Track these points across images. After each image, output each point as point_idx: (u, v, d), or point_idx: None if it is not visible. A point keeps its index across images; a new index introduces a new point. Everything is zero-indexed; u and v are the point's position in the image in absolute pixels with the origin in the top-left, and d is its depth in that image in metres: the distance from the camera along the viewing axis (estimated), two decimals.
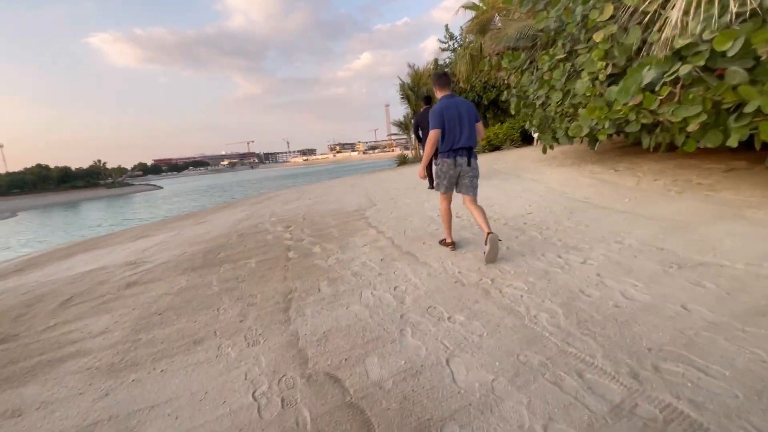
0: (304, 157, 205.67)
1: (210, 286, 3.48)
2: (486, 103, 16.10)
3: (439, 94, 3.49)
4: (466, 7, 13.20)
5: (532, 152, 11.12)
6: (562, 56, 5.80)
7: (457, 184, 3.51)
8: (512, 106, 9.16)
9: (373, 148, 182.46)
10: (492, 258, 3.21)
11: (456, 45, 19.32)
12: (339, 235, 4.83)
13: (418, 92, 18.68)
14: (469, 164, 3.39)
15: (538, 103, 7.22)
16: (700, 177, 4.96)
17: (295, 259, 3.99)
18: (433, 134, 3.33)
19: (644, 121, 4.53)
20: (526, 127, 8.10)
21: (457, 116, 3.30)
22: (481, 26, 11.14)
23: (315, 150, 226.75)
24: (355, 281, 3.17)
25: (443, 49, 19.69)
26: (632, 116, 4.56)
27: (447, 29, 19.00)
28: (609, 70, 4.61)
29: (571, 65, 5.50)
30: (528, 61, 7.68)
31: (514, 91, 8.94)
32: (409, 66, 20.03)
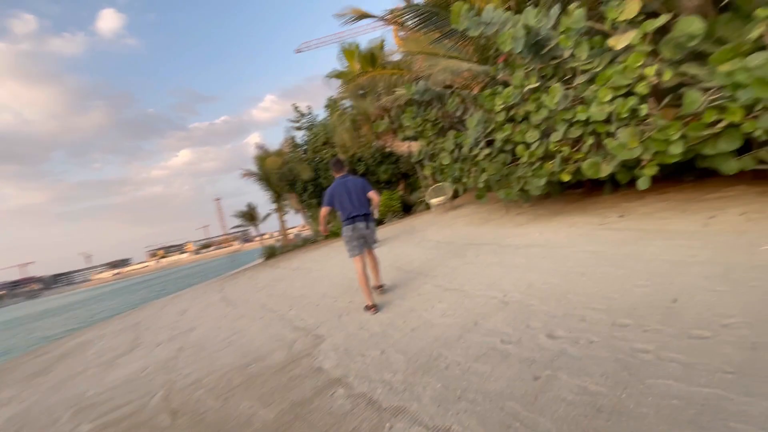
0: (115, 271, 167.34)
1: None
2: (385, 178, 15.09)
3: (335, 176, 4.17)
4: (330, 76, 12.26)
5: (436, 218, 9.91)
6: (534, 85, 4.56)
7: (365, 244, 4.07)
8: (425, 169, 7.75)
9: (206, 246, 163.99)
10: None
11: (308, 123, 18.22)
12: None
13: (278, 171, 16.26)
14: (367, 227, 4.01)
15: (484, 153, 5.86)
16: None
17: None
18: (322, 211, 4.12)
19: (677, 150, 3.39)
20: (469, 185, 6.63)
21: (346, 192, 3.99)
22: (357, 90, 10.11)
23: (129, 259, 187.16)
24: None
25: (297, 128, 18.29)
26: (675, 137, 3.35)
27: (296, 108, 17.84)
28: (656, 78, 3.38)
29: (563, 90, 4.22)
30: (460, 110, 6.44)
31: (426, 150, 7.59)
32: (258, 147, 17.63)
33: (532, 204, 7.04)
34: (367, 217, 3.99)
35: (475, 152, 6.10)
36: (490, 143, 6.04)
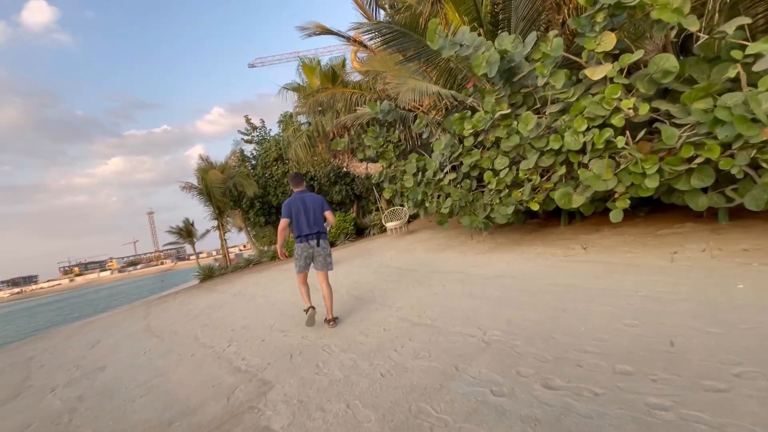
0: (16, 289, 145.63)
1: None
2: (338, 199, 14.55)
3: (294, 189, 4.11)
4: (288, 88, 11.63)
5: (393, 241, 9.58)
6: (506, 111, 4.47)
7: (313, 262, 4.01)
8: (385, 191, 7.47)
9: (133, 264, 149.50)
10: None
11: (260, 137, 17.37)
12: None
13: (222, 186, 15.07)
14: (318, 245, 3.95)
15: (449, 178, 5.68)
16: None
17: None
18: (281, 223, 3.98)
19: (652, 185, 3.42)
20: (431, 210, 6.37)
21: (303, 208, 3.93)
22: (316, 106, 9.66)
23: (36, 277, 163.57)
24: None
25: (247, 141, 17.29)
26: (651, 171, 3.36)
27: (248, 120, 16.95)
28: (634, 112, 3.37)
29: (535, 118, 4.13)
30: (426, 132, 6.23)
31: (387, 172, 7.32)
32: (202, 159, 16.30)
33: (491, 232, 6.98)
34: (320, 235, 3.97)
35: (439, 177, 5.91)
36: (454, 168, 5.90)
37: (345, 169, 11.02)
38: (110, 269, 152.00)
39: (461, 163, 5.52)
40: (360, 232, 14.50)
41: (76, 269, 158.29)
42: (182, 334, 5.36)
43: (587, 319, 2.90)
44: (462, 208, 5.57)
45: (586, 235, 5.50)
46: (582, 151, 3.84)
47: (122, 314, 10.04)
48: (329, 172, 15.17)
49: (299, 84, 11.40)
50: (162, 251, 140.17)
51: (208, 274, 13.63)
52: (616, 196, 3.67)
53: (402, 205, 8.20)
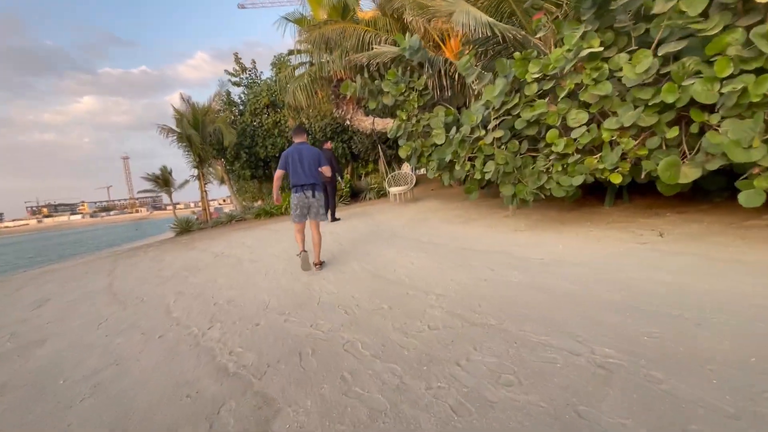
0: None
1: None
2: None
3: (294, 140, 4.28)
4: (289, 19, 9.86)
5: (398, 209, 8.57)
6: (596, 48, 3.35)
7: (309, 213, 4.19)
8: (402, 149, 6.41)
9: (106, 209, 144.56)
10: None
11: (248, 79, 15.60)
12: None
13: (203, 131, 13.48)
14: (313, 196, 4.14)
15: (493, 137, 4.62)
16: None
17: None
18: (276, 174, 4.18)
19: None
20: (458, 175, 5.31)
21: (299, 160, 4.08)
22: (323, 41, 8.19)
23: (1, 215, 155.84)
24: None
25: (235, 83, 15.50)
26: None
27: (237, 59, 15.06)
28: None
29: (651, 58, 3.04)
30: (473, 73, 5.03)
31: (406, 126, 6.21)
32: (183, 99, 14.48)
33: (519, 206, 6.05)
34: (314, 186, 4.15)
35: (479, 134, 4.83)
36: (498, 125, 4.82)
37: (348, 123, 9.72)
38: (81, 213, 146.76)
39: (512, 118, 4.45)
40: (354, 195, 13.40)
41: (45, 210, 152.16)
42: (151, 303, 4.31)
43: (739, 338, 2.01)
44: (506, 174, 4.56)
45: (645, 219, 4.62)
46: (710, 108, 2.84)
47: (86, 265, 8.85)
48: (325, 126, 13.78)
49: (302, 16, 9.74)
50: (137, 199, 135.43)
51: (185, 228, 12.38)
52: (756, 171, 2.72)
53: (417, 168, 7.08)
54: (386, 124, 9.40)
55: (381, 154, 11.80)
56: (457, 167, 5.25)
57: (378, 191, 12.98)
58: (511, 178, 4.59)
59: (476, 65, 5.74)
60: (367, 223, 7.43)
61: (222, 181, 19.80)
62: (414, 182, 9.62)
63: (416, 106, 6.09)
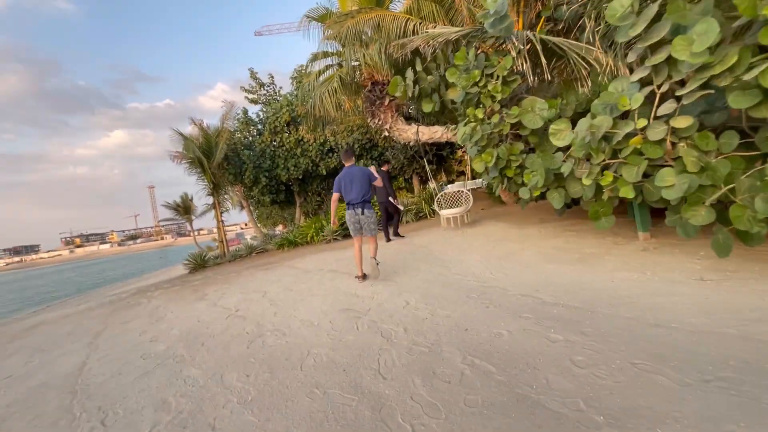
0: (16, 258, 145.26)
1: None
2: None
3: (345, 164, 4.79)
4: (312, 17, 8.39)
5: (458, 238, 6.71)
6: None
7: (361, 229, 4.70)
8: (476, 160, 4.66)
9: (133, 238, 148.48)
10: (375, 276, 4.77)
11: (266, 95, 14.31)
12: None
13: (217, 155, 12.12)
14: (362, 213, 4.62)
15: (679, 124, 2.78)
16: None
17: None
18: (333, 197, 4.84)
19: None
20: (586, 195, 3.45)
21: (350, 181, 4.63)
22: (356, 35, 6.65)
23: (38, 246, 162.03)
24: None
25: (252, 100, 14.25)
26: None
27: (253, 74, 13.78)
28: None
29: None
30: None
31: (482, 129, 4.48)
32: (195, 123, 13.24)
33: (653, 233, 4.09)
34: (364, 204, 4.64)
35: (632, 127, 3.00)
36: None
37: (386, 133, 8.05)
38: (110, 242, 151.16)
39: (718, 93, 2.59)
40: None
41: (78, 240, 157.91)
42: (114, 426, 2.56)
43: None
44: (701, 189, 2.69)
45: None
46: None
47: (79, 317, 7.38)
48: (353, 143, 12.20)
49: (327, 10, 8.24)
50: (163, 226, 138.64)
51: (199, 264, 10.84)
52: None
53: (495, 185, 5.17)
54: (434, 133, 7.66)
55: (426, 166, 10.03)
56: (585, 181, 3.38)
57: (416, 213, 11.20)
58: (709, 196, 2.70)
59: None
60: (425, 260, 5.59)
61: (241, 207, 18.54)
62: (471, 202, 7.76)
63: (503, 97, 4.31)
